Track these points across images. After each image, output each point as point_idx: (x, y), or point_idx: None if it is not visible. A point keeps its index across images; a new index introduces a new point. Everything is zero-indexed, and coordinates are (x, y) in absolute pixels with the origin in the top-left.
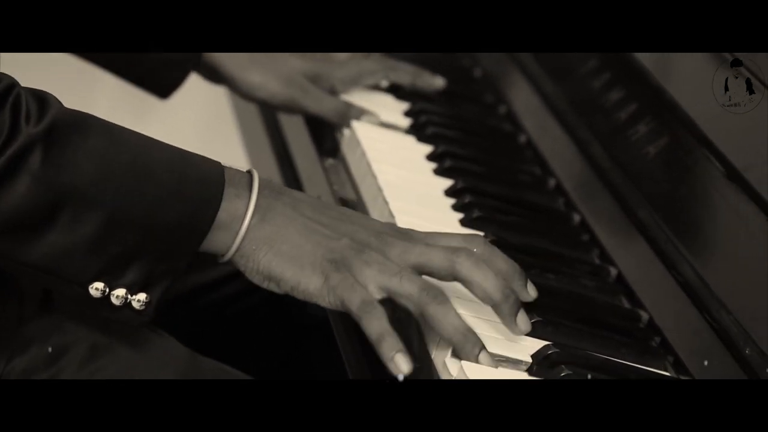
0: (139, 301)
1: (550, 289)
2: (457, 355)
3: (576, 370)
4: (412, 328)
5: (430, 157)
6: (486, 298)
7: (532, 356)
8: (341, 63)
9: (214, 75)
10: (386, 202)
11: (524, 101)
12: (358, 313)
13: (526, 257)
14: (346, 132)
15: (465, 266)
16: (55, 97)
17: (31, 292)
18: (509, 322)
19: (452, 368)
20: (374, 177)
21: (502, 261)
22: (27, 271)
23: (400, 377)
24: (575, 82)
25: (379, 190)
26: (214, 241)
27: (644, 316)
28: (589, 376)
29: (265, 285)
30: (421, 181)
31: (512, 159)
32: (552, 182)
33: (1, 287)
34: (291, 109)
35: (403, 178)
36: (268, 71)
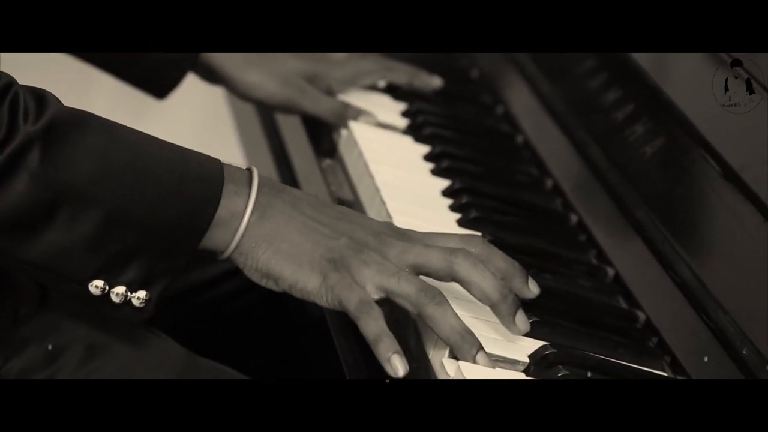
0: (139, 298)
1: (548, 290)
2: (454, 355)
3: (573, 371)
4: (409, 328)
5: (428, 158)
6: (484, 299)
7: (530, 356)
8: (338, 63)
9: (211, 75)
10: (383, 203)
11: (521, 102)
12: (355, 313)
13: (524, 257)
14: (343, 132)
15: (463, 267)
16: (53, 95)
17: (28, 291)
18: (508, 322)
19: (450, 368)
20: (371, 177)
21: (501, 260)
22: (26, 269)
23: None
24: (572, 82)
25: (377, 190)
26: (213, 238)
27: (641, 316)
28: (589, 374)
29: (263, 283)
30: (418, 181)
31: (509, 159)
32: (549, 183)
33: None
34: (288, 109)
35: (401, 178)
36: (266, 71)
